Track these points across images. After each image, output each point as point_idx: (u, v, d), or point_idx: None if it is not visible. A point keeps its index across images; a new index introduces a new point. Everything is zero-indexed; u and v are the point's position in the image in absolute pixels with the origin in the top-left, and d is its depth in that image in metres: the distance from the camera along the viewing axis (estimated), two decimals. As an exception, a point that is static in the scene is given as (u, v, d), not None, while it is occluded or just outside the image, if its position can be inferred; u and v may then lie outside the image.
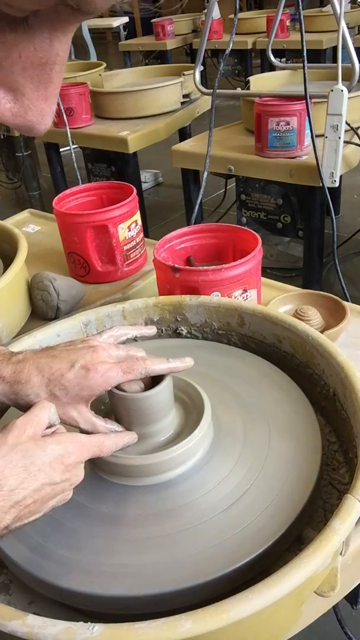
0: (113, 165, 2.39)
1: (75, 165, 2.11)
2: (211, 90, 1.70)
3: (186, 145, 2.10)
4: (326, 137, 1.56)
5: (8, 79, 0.34)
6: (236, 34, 1.80)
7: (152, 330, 0.73)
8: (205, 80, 3.51)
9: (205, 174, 1.60)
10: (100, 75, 2.78)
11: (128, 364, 0.61)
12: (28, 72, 0.34)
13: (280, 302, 0.98)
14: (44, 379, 0.58)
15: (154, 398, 0.62)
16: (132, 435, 0.62)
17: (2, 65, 0.33)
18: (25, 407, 0.57)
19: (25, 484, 0.48)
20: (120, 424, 0.64)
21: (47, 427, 0.54)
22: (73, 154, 2.21)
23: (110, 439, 0.59)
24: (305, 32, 1.52)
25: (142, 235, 1.20)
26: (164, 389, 0.63)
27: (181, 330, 0.87)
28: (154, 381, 0.64)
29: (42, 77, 0.34)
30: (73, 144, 2.15)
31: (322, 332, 0.84)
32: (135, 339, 0.84)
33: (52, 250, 1.34)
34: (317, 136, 1.60)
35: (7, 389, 0.58)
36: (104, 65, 3.15)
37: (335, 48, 2.53)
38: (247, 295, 0.90)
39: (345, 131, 1.57)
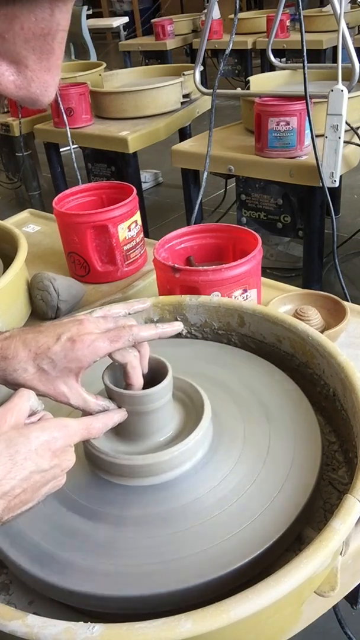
0: (113, 165, 2.39)
1: (75, 165, 2.11)
2: (211, 90, 1.70)
3: (186, 145, 2.10)
4: (326, 137, 1.56)
5: (11, 52, 0.34)
6: (236, 34, 1.80)
7: (144, 304, 0.71)
8: (205, 80, 3.50)
9: (205, 174, 1.60)
10: (100, 75, 2.78)
11: (114, 333, 0.60)
12: (30, 43, 0.34)
13: (280, 302, 0.98)
14: (31, 354, 0.57)
15: (153, 396, 0.62)
16: (121, 412, 0.61)
17: (4, 37, 0.33)
18: (13, 383, 0.57)
19: (12, 473, 0.47)
20: (120, 422, 0.64)
21: (31, 415, 0.54)
22: (73, 154, 2.21)
23: (99, 421, 0.58)
24: (305, 32, 1.52)
25: (142, 235, 1.20)
26: (164, 387, 0.63)
27: (181, 330, 0.87)
28: (153, 380, 0.64)
29: (45, 48, 0.35)
30: (73, 144, 2.15)
31: (322, 332, 0.84)
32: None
33: (52, 250, 1.34)
34: (317, 136, 1.60)
35: None
36: (104, 65, 3.15)
37: (335, 48, 2.53)
38: (247, 295, 0.90)
39: (345, 131, 1.57)
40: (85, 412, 0.61)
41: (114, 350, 0.60)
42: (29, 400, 0.54)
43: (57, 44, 0.35)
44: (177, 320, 0.86)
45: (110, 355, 0.60)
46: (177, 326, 0.65)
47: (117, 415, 0.61)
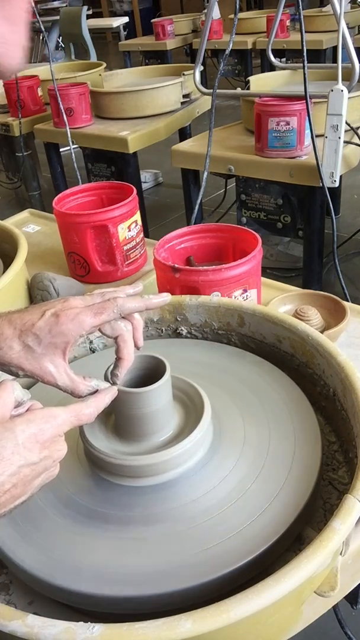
0: (113, 165, 2.39)
1: (75, 165, 2.10)
2: (211, 90, 1.70)
3: (186, 145, 2.10)
4: (326, 137, 1.56)
5: None
6: (236, 34, 1.80)
7: (136, 288, 0.67)
8: (205, 80, 3.51)
9: (205, 174, 1.60)
10: (100, 75, 2.78)
11: (99, 305, 0.58)
12: None
13: (280, 302, 0.98)
14: (16, 331, 0.57)
15: (152, 394, 0.62)
16: (112, 391, 0.59)
17: None
18: None
19: (0, 469, 0.47)
20: (119, 421, 0.64)
21: (17, 406, 0.53)
22: (73, 154, 2.21)
23: (89, 406, 0.56)
24: (305, 32, 1.52)
25: (142, 235, 1.20)
26: (163, 386, 0.62)
27: (181, 330, 0.87)
28: (152, 379, 0.64)
29: None
30: (73, 144, 2.15)
31: (322, 332, 0.84)
32: None
33: (52, 250, 1.34)
34: (317, 136, 1.60)
35: None
36: (104, 65, 3.15)
37: (335, 48, 2.53)
38: (247, 295, 0.90)
39: (345, 131, 1.57)
40: (75, 395, 0.59)
41: (100, 323, 0.58)
42: (14, 392, 0.53)
43: None
44: (177, 320, 0.86)
45: (100, 330, 0.59)
46: (165, 296, 0.63)
47: (108, 396, 0.59)
